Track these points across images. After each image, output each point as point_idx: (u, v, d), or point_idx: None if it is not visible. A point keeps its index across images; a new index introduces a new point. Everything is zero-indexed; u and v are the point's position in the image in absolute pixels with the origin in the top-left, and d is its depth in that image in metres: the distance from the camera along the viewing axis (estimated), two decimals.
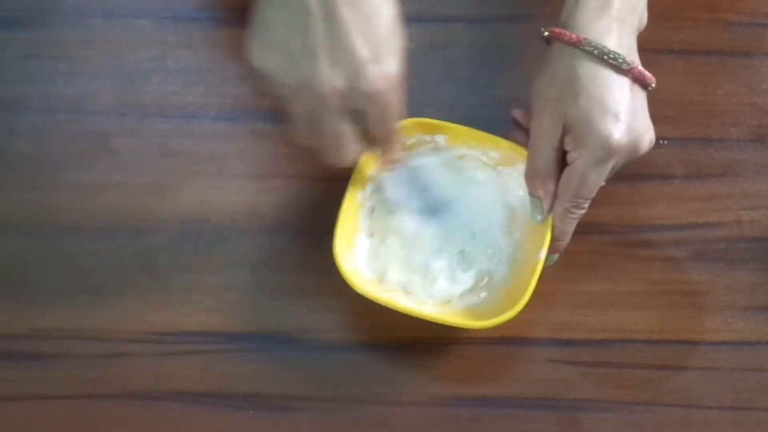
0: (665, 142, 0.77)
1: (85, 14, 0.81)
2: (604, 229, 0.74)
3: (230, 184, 0.75)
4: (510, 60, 0.71)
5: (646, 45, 0.70)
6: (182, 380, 0.70)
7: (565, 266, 0.72)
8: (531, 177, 0.69)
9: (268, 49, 0.61)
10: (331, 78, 0.60)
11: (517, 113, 0.72)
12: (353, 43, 0.60)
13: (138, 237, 0.74)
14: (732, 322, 0.72)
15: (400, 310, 0.67)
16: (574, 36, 0.66)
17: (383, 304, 0.67)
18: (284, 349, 0.71)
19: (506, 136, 0.72)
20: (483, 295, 0.70)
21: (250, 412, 0.69)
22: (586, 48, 0.65)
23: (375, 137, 0.64)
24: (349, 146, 0.63)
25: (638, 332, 0.71)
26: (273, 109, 0.64)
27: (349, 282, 0.67)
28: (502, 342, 0.71)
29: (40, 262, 0.73)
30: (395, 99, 0.62)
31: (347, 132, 0.63)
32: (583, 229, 0.72)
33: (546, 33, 0.68)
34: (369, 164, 0.71)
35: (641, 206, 0.75)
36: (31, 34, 0.80)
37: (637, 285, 0.73)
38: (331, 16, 0.59)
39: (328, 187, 0.70)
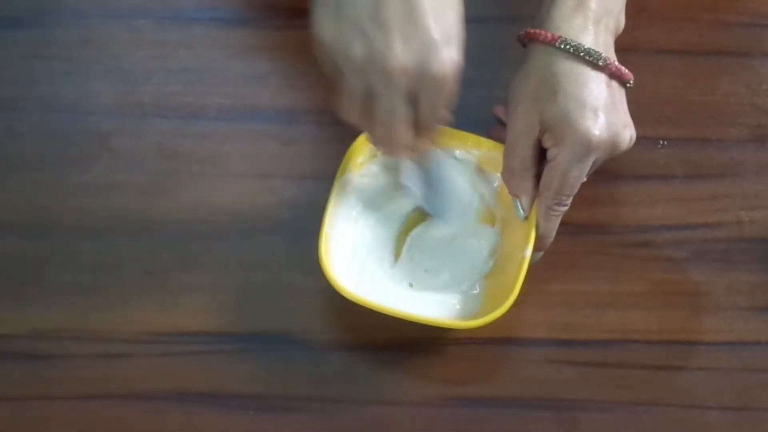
0: (665, 142, 0.77)
1: (84, 14, 0.81)
2: (604, 229, 0.74)
3: (230, 184, 0.76)
4: (510, 60, 0.71)
5: (646, 45, 0.70)
6: (182, 380, 0.70)
7: (565, 266, 0.72)
8: (508, 176, 0.69)
9: (337, 20, 0.60)
10: (401, 54, 0.59)
11: (499, 109, 0.72)
12: (428, 23, 0.59)
13: (138, 237, 0.74)
14: (732, 322, 0.72)
15: (388, 313, 0.67)
16: (549, 34, 0.66)
17: (370, 307, 0.67)
18: (284, 349, 0.71)
19: (488, 134, 0.72)
20: (473, 293, 0.70)
21: (250, 412, 0.69)
22: (561, 46, 0.66)
23: (423, 125, 0.63)
24: (400, 129, 0.62)
25: (638, 332, 0.71)
26: (326, 83, 0.62)
27: (336, 287, 0.67)
28: (502, 342, 0.71)
29: (40, 262, 0.73)
30: (454, 88, 0.61)
31: (402, 114, 0.61)
32: (583, 229, 0.73)
33: (521, 33, 0.68)
34: (351, 167, 0.71)
35: (641, 206, 0.75)
36: (31, 34, 0.80)
37: (637, 285, 0.73)
38: None
39: (327, 187, 0.70)
